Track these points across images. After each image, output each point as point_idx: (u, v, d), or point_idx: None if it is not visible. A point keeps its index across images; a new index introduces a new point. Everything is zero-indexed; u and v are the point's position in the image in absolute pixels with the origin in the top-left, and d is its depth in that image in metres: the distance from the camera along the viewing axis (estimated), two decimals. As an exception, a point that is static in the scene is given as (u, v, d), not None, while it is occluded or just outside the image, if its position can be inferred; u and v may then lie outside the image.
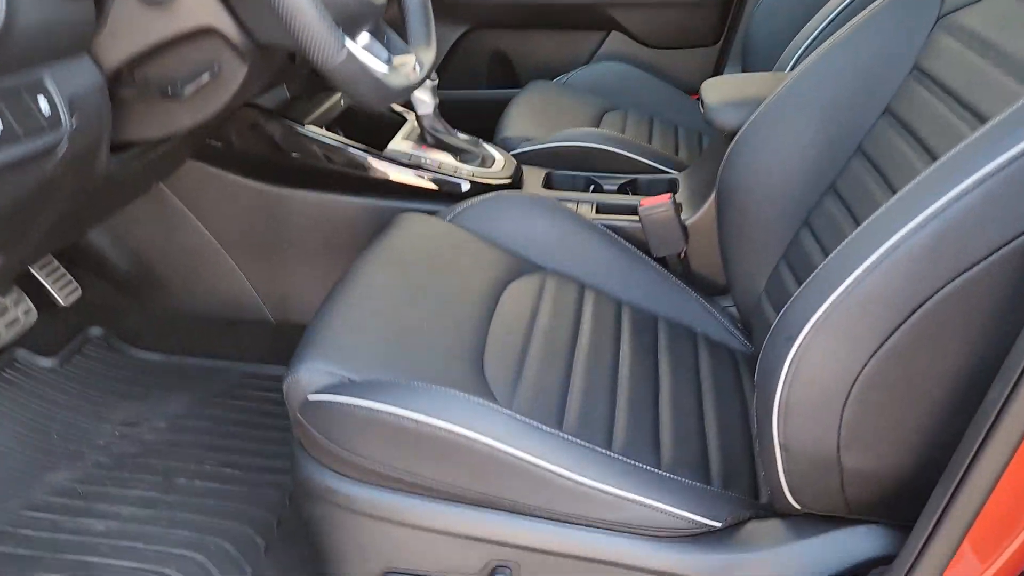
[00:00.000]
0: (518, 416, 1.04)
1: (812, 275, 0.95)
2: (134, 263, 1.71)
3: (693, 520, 1.03)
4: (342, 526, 1.08)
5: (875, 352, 0.88)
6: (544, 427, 1.04)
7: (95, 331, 1.75)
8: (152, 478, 1.45)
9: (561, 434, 1.05)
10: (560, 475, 1.01)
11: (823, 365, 0.90)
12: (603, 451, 1.06)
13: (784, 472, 0.97)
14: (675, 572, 1.02)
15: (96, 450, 1.50)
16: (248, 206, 1.63)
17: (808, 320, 0.90)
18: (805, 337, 0.90)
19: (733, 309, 1.52)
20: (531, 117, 1.93)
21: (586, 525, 1.03)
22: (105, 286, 1.76)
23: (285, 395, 1.11)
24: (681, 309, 1.48)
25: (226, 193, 1.63)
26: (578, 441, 1.05)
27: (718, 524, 1.04)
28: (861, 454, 0.92)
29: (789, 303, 0.95)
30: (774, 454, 0.97)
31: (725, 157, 1.42)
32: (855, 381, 0.89)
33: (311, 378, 1.09)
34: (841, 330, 0.89)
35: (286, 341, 1.75)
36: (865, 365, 0.88)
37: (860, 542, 1.00)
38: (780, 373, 0.92)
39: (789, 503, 1.00)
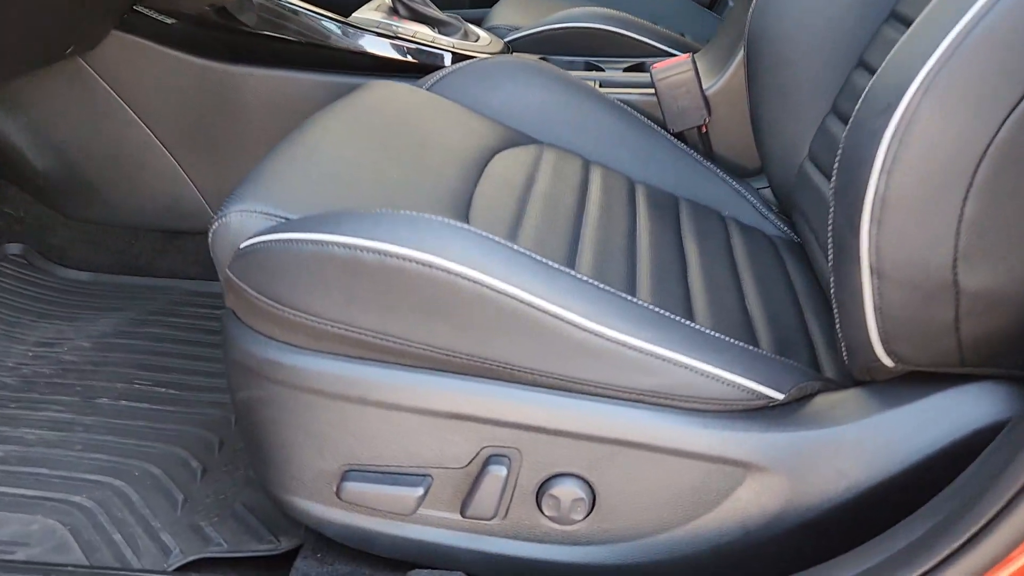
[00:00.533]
0: (519, 248, 0.79)
1: (906, 33, 0.71)
2: (57, 165, 1.45)
3: (749, 389, 0.78)
4: (288, 410, 0.82)
5: (1008, 116, 0.64)
6: (552, 263, 0.80)
7: (13, 248, 1.50)
8: (68, 399, 1.19)
9: (575, 274, 0.80)
10: (576, 325, 0.76)
11: (936, 140, 0.66)
12: (630, 298, 0.81)
13: (875, 310, 0.73)
14: (725, 456, 0.78)
15: (2, 371, 1.24)
16: (190, 89, 1.38)
17: (912, 80, 0.66)
18: (910, 104, 0.66)
19: (767, 191, 1.28)
20: (520, 7, 1.70)
21: (610, 396, 0.78)
22: (25, 196, 1.51)
23: (212, 250, 0.86)
24: (705, 190, 1.24)
25: (163, 73, 1.38)
26: (598, 284, 0.80)
27: (780, 396, 0.79)
28: (986, 268, 0.68)
29: (881, 70, 0.71)
30: (861, 285, 0.73)
31: (754, 2, 1.19)
32: (981, 159, 0.65)
33: (243, 223, 0.84)
34: (961, 88, 0.65)
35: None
36: (995, 136, 0.65)
37: (972, 405, 0.76)
38: (874, 159, 0.68)
39: (878, 359, 0.76)
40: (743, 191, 1.24)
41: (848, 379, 0.87)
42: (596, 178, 1.16)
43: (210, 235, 0.86)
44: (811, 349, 0.93)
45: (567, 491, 0.80)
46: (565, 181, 1.12)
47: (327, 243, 0.77)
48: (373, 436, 0.81)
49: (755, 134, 1.24)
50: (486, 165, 1.09)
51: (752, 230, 1.20)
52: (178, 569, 0.93)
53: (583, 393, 0.79)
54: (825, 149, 1.09)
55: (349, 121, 1.07)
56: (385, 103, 1.15)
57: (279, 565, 0.93)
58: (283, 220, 0.84)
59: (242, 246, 0.83)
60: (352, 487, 0.82)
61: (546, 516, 0.82)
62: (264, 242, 0.80)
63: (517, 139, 1.20)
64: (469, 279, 0.75)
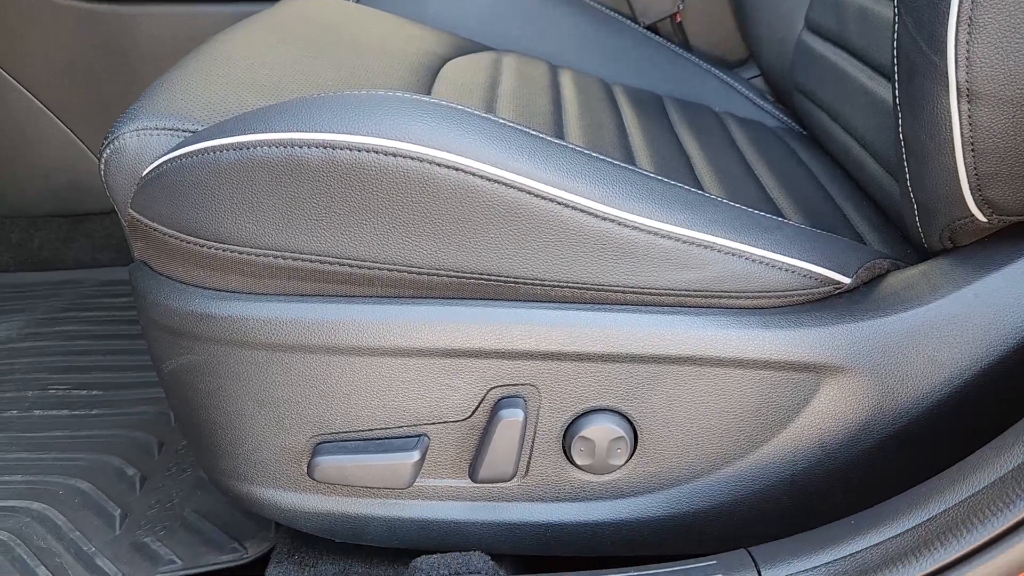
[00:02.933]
0: (506, 121, 0.62)
1: None
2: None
3: (812, 274, 0.63)
4: (232, 375, 0.64)
5: None
6: (552, 138, 0.63)
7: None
8: (-23, 417, 0.99)
9: (582, 148, 0.63)
10: (593, 213, 0.59)
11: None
12: (653, 175, 0.65)
13: (966, 146, 0.57)
14: (792, 359, 0.62)
15: None
16: (75, 40, 1.17)
17: None
18: None
19: (758, 80, 1.13)
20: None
21: (643, 303, 0.62)
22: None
23: (106, 188, 0.68)
24: (690, 85, 1.09)
25: (40, 24, 1.17)
26: (612, 160, 0.63)
27: (847, 280, 0.64)
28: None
29: None
30: (947, 116, 0.57)
31: None
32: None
33: (143, 146, 0.65)
34: None
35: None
36: None
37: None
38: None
39: (967, 213, 0.60)
40: (732, 82, 1.08)
41: (912, 256, 0.72)
42: (567, 81, 0.99)
43: (101, 168, 0.67)
44: (853, 230, 0.77)
45: (602, 431, 0.63)
46: (533, 83, 0.95)
47: (253, 145, 0.58)
48: (346, 394, 0.63)
49: (738, 17, 1.09)
50: (438, 72, 0.91)
51: (751, 122, 1.04)
52: (124, 600, 0.75)
53: (609, 303, 0.62)
54: (830, 9, 0.94)
55: (270, 29, 0.88)
56: (312, 13, 0.96)
57: (251, 576, 0.75)
58: (186, 132, 0.66)
59: (144, 173, 0.65)
60: (327, 463, 0.64)
61: (577, 466, 0.65)
62: (172, 160, 0.62)
63: (469, 47, 1.03)
64: (449, 166, 0.57)
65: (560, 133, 0.84)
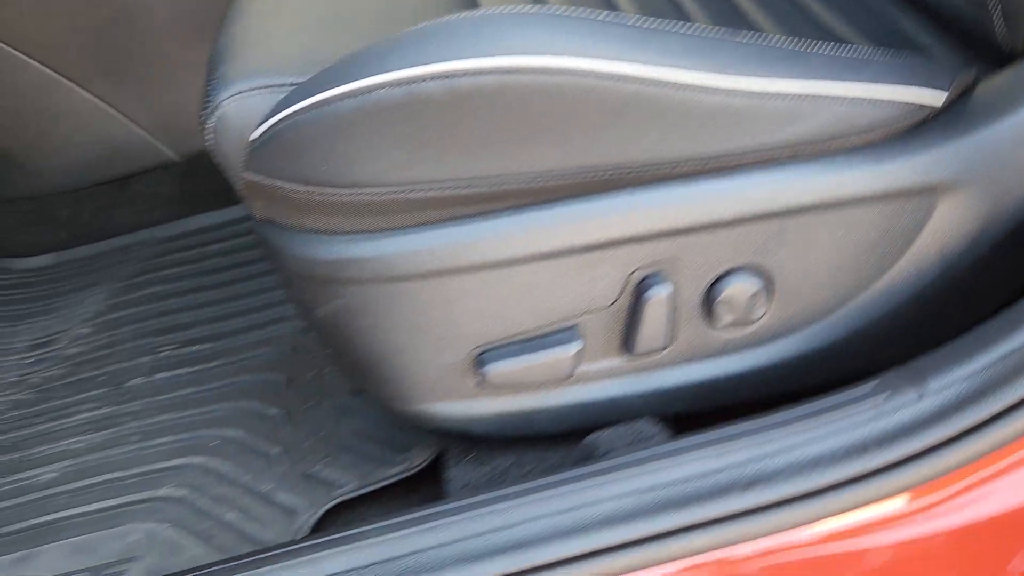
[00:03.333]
0: (601, 17, 0.63)
1: None
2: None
3: (909, 102, 0.65)
4: (387, 310, 0.68)
5: None
6: (642, 23, 0.64)
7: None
8: (96, 392, 1.03)
9: (670, 27, 0.64)
10: (703, 88, 0.60)
11: None
12: (739, 37, 0.66)
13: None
14: (907, 186, 0.65)
15: (8, 389, 1.08)
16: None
17: None
18: None
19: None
20: None
21: (761, 162, 0.65)
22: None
23: (215, 157, 0.69)
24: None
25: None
26: (700, 33, 0.65)
27: (942, 96, 0.66)
28: None
29: None
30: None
31: None
32: None
33: (244, 109, 0.67)
34: None
35: (206, 176, 1.32)
36: None
37: None
38: None
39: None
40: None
41: (989, 62, 0.74)
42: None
43: (209, 140, 0.68)
44: (917, 44, 0.79)
45: (741, 288, 0.68)
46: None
47: (372, 89, 0.60)
48: (498, 305, 0.68)
49: None
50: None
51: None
52: (318, 527, 0.81)
53: (730, 169, 0.65)
54: None
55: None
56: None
57: (424, 483, 0.82)
58: (287, 84, 0.67)
59: (254, 136, 0.66)
60: (494, 370, 0.69)
61: (722, 325, 0.70)
62: (287, 118, 0.63)
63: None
64: (567, 73, 0.59)
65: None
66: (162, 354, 1.07)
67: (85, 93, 1.21)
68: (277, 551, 0.61)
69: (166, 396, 1.01)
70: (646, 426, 0.71)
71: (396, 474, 0.83)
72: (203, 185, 1.31)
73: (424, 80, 0.59)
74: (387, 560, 0.57)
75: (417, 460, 0.84)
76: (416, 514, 0.59)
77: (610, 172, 0.63)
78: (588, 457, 0.70)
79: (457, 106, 0.59)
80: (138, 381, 1.04)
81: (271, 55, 0.70)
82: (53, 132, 1.24)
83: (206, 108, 0.67)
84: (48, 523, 0.88)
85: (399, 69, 0.59)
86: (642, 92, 0.60)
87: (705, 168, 0.64)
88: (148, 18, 1.17)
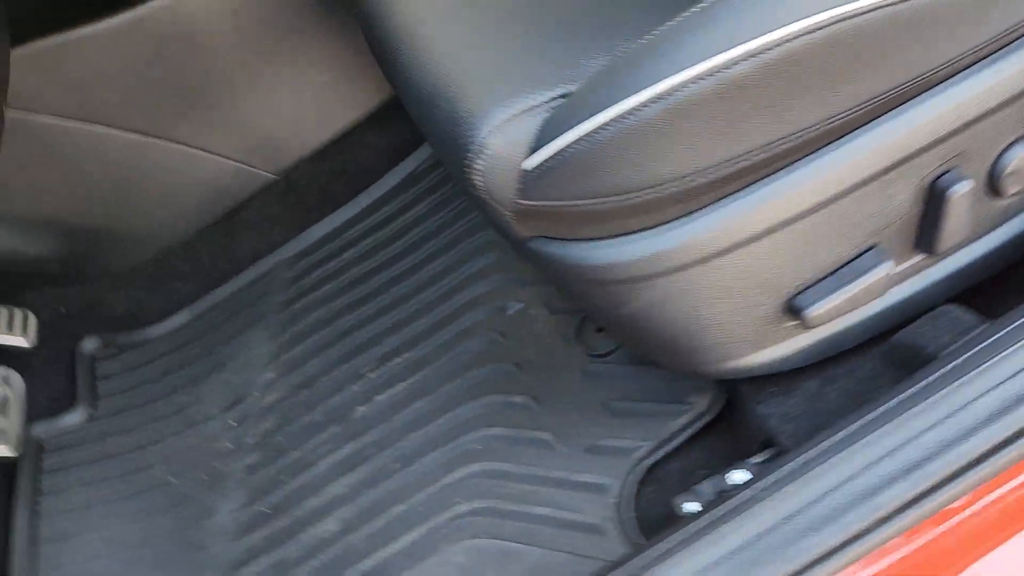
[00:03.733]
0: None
1: None
2: (55, 239, 1.19)
3: None
4: (702, 288, 0.68)
5: None
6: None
7: (90, 345, 1.26)
8: (326, 434, 1.04)
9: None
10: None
11: None
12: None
13: None
14: None
15: (233, 458, 1.08)
16: (125, 56, 1.08)
17: None
18: None
19: None
20: None
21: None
22: (53, 290, 1.25)
23: (484, 193, 0.67)
24: None
25: (82, 57, 1.07)
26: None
27: None
28: None
29: None
30: None
31: None
32: None
33: (508, 139, 0.65)
34: None
35: (307, 185, 1.29)
36: None
37: None
38: None
39: None
40: None
41: None
42: None
43: (478, 180, 0.66)
44: None
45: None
46: None
47: (678, 88, 0.58)
48: (803, 251, 0.68)
49: None
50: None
51: None
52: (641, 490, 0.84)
53: (996, 53, 0.64)
54: None
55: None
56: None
57: (721, 427, 0.84)
58: (560, 97, 0.64)
59: (532, 164, 0.64)
60: (814, 310, 0.70)
61: (1009, 195, 0.71)
62: (581, 140, 0.62)
63: None
64: (838, 20, 0.57)
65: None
66: (367, 376, 1.07)
67: (170, 144, 1.16)
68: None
69: (400, 416, 1.02)
70: (956, 313, 0.73)
71: (690, 423, 0.86)
72: (307, 195, 1.28)
73: (734, 64, 0.57)
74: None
75: (703, 406, 0.86)
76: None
77: (888, 95, 0.63)
78: (911, 357, 0.72)
79: (767, 77, 0.58)
80: (362, 410, 1.05)
81: (498, 73, 0.67)
82: (149, 191, 1.19)
83: (466, 152, 0.65)
84: (366, 573, 0.91)
85: (701, 60, 0.57)
86: (908, 10, 0.59)
87: (974, 56, 0.64)
88: (211, 55, 1.10)
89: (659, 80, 0.58)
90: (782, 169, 0.64)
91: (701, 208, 0.65)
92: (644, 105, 0.59)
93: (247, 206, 1.26)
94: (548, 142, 0.63)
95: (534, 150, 0.64)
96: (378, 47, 0.84)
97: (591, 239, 0.68)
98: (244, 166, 1.22)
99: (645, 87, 0.58)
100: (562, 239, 0.69)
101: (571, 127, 0.61)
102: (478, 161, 0.65)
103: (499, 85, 0.66)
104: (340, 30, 1.16)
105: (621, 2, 0.70)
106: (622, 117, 0.59)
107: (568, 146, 0.62)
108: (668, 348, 0.74)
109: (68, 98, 1.07)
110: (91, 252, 1.22)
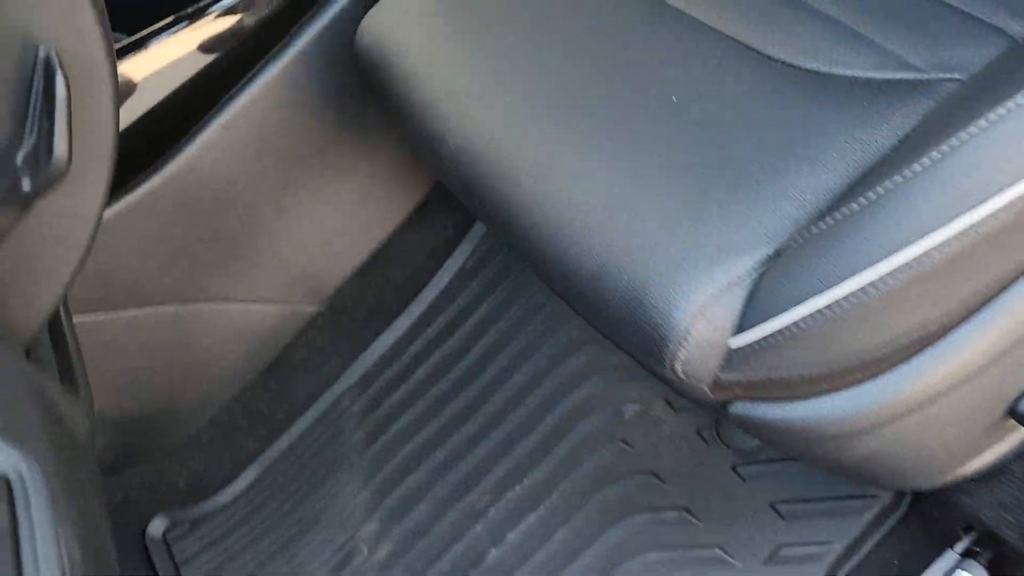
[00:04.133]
0: None
1: None
2: (111, 436, 1.08)
3: None
4: (915, 431, 0.63)
5: None
6: None
7: (158, 527, 1.15)
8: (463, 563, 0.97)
9: None
10: None
11: None
12: None
13: None
14: None
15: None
16: (127, 239, 0.97)
17: None
18: None
19: None
20: None
21: None
22: (108, 480, 1.14)
23: (682, 375, 0.60)
24: None
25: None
26: None
27: None
28: None
29: None
30: None
31: None
32: None
33: (714, 318, 0.57)
34: None
35: (354, 309, 1.20)
36: None
37: None
38: None
39: None
40: None
41: None
42: None
43: (681, 372, 0.59)
44: None
45: None
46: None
47: (921, 258, 0.52)
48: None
49: None
50: None
51: None
52: None
53: None
54: None
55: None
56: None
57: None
58: (765, 261, 0.57)
59: (742, 344, 0.58)
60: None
61: None
62: (802, 322, 0.55)
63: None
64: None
65: None
66: (488, 513, 1.00)
67: (206, 305, 1.05)
68: None
69: (540, 553, 0.95)
70: None
71: (879, 519, 0.81)
72: (355, 318, 1.18)
73: (991, 217, 0.51)
74: None
75: (888, 498, 0.81)
76: None
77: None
78: None
79: (1017, 223, 0.52)
80: (495, 553, 0.97)
81: (677, 235, 0.59)
82: (193, 359, 1.08)
83: (665, 344, 0.58)
84: None
85: (956, 218, 0.51)
86: None
87: None
88: (235, 204, 0.99)
89: (906, 245, 0.51)
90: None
91: (934, 344, 0.59)
92: (891, 274, 0.52)
93: (295, 345, 1.16)
94: (765, 319, 0.56)
95: (743, 326, 0.57)
96: (463, 184, 0.75)
97: (805, 397, 0.61)
98: (286, 306, 1.12)
99: (892, 253, 0.52)
100: (770, 400, 0.62)
101: (798, 302, 0.55)
102: (680, 352, 0.58)
103: (685, 252, 0.59)
104: (364, 142, 1.06)
105: (784, 126, 0.63)
106: (865, 288, 0.53)
107: (795, 322, 0.55)
108: (873, 473, 0.69)
109: (90, 293, 0.95)
110: (141, 435, 1.11)
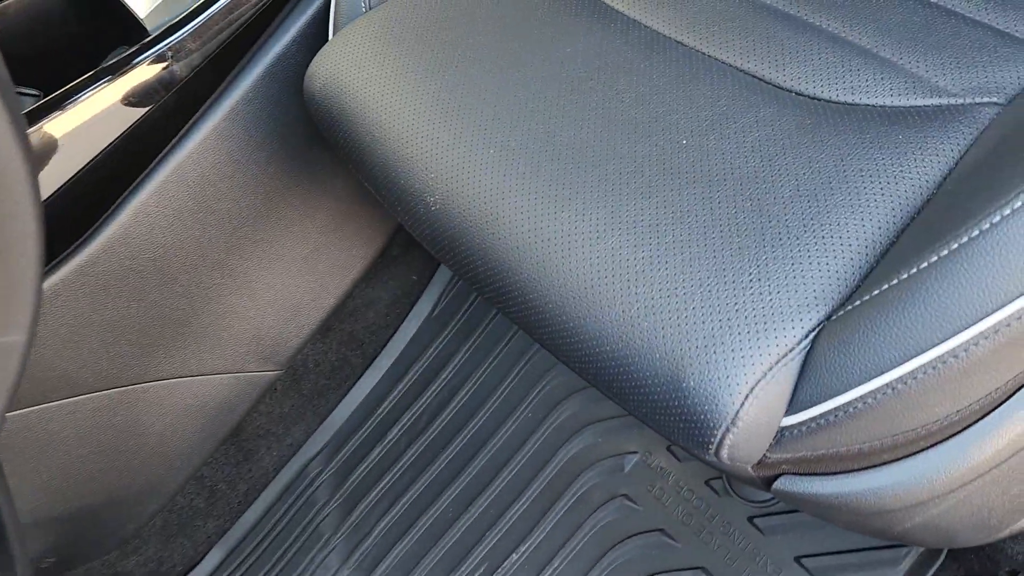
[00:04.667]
0: None
1: None
2: (32, 532, 0.96)
3: None
4: (966, 503, 0.57)
5: None
6: None
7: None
8: None
9: None
10: None
11: None
12: None
13: None
14: None
15: None
16: (58, 317, 0.86)
17: None
18: None
19: None
20: None
21: None
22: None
23: (723, 459, 0.53)
24: None
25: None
26: None
27: None
28: None
29: None
30: None
31: None
32: None
33: (762, 401, 0.50)
34: None
35: (321, 370, 1.10)
36: None
37: None
38: None
39: None
40: None
41: None
42: None
43: (728, 455, 0.52)
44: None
45: None
46: None
47: (963, 347, 0.45)
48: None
49: None
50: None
51: None
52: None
53: None
54: None
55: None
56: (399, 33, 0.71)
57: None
58: (817, 328, 0.50)
59: (795, 422, 0.51)
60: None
61: None
62: (865, 398, 0.48)
63: None
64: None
65: None
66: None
67: (154, 384, 0.94)
68: None
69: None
70: None
71: (917, 569, 0.75)
72: (317, 379, 1.09)
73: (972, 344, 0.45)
74: None
75: (920, 551, 0.76)
76: None
77: None
78: None
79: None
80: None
81: (717, 304, 0.52)
82: (142, 441, 0.97)
83: (714, 430, 0.50)
84: None
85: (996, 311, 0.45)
86: None
87: None
88: (178, 273, 0.89)
89: (996, 307, 0.45)
90: None
91: (1006, 401, 0.53)
92: (976, 340, 0.46)
93: (253, 413, 1.06)
94: (824, 396, 0.49)
95: (797, 403, 0.50)
96: (445, 248, 0.67)
97: (863, 469, 0.55)
98: (241, 374, 1.02)
99: (979, 317, 0.45)
100: (822, 474, 0.56)
101: (863, 378, 0.48)
102: (728, 438, 0.51)
103: (725, 325, 0.51)
104: (316, 191, 0.97)
105: (817, 168, 0.56)
106: (945, 359, 0.46)
107: (859, 397, 0.49)
108: (923, 538, 0.63)
109: (23, 387, 0.84)
110: (89, 530, 1.00)
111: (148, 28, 0.84)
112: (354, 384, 1.08)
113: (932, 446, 0.53)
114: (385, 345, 1.09)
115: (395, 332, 1.09)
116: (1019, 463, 0.56)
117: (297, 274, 1.01)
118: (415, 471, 1.01)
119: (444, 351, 1.06)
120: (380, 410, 1.06)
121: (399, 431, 1.04)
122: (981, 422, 0.53)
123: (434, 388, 1.05)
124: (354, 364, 1.09)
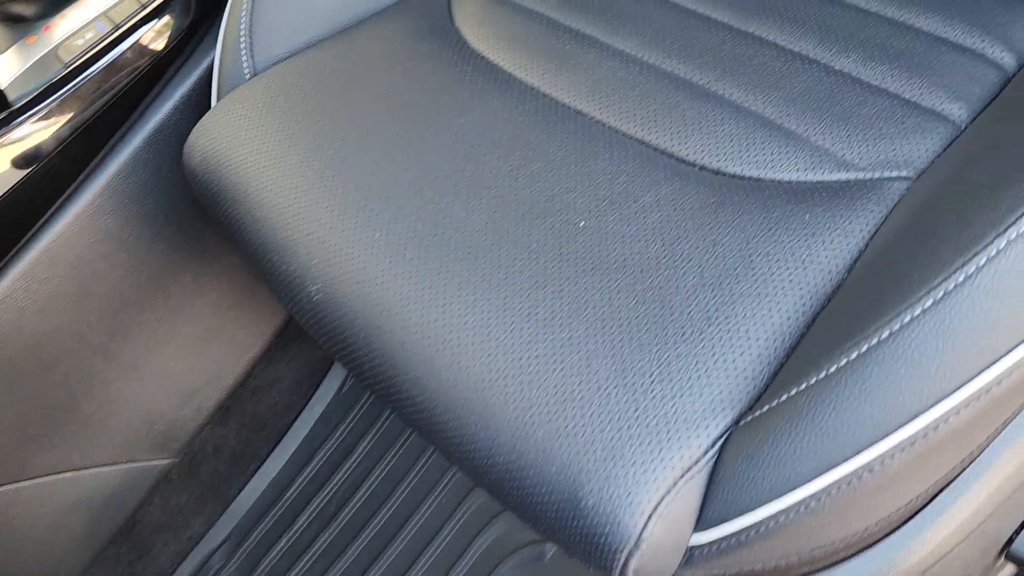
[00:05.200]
0: None
1: None
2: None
3: None
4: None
5: None
6: None
7: None
8: None
9: None
10: None
11: None
12: None
13: None
14: None
15: None
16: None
17: None
18: None
19: None
20: None
21: None
22: None
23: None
24: None
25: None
26: None
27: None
28: None
29: None
30: None
31: None
32: None
33: (669, 519, 0.45)
34: None
35: (222, 456, 1.02)
36: None
37: None
38: None
39: None
40: None
41: None
42: None
43: (629, 571, 0.47)
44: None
45: None
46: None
47: (921, 435, 0.41)
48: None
49: None
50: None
51: None
52: None
53: None
54: None
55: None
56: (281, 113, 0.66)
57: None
58: (723, 436, 0.45)
59: (704, 541, 0.46)
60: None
61: None
62: (786, 512, 0.43)
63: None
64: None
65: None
66: None
67: (34, 482, 0.86)
68: None
69: None
70: None
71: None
72: (218, 466, 1.01)
73: (1011, 371, 0.41)
74: None
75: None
76: None
77: None
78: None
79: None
80: None
81: (617, 412, 0.47)
82: (21, 544, 0.88)
83: (616, 552, 0.45)
84: None
85: (969, 379, 0.40)
86: None
87: None
88: (55, 371, 0.81)
89: (911, 416, 0.41)
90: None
91: (927, 506, 0.49)
92: (891, 453, 0.41)
93: (147, 506, 0.98)
94: (734, 513, 0.44)
95: (706, 519, 0.46)
96: (330, 339, 0.61)
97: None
98: (132, 464, 0.94)
99: (894, 428, 0.41)
100: (738, 587, 0.51)
101: (775, 494, 0.43)
102: (633, 561, 0.46)
103: (624, 433, 0.46)
104: (207, 267, 0.90)
105: (720, 252, 0.52)
106: (860, 473, 0.42)
107: (772, 515, 0.44)
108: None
109: None
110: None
111: (9, 99, 0.77)
112: (258, 468, 1.01)
113: (852, 556, 0.49)
114: (290, 426, 1.02)
115: (300, 412, 1.02)
116: (948, 564, 0.52)
117: (191, 356, 0.93)
118: (326, 562, 0.94)
119: (354, 431, 1.00)
120: (287, 496, 0.99)
121: (308, 518, 0.97)
122: (903, 528, 0.49)
123: (344, 470, 0.98)
124: (257, 447, 1.01)
